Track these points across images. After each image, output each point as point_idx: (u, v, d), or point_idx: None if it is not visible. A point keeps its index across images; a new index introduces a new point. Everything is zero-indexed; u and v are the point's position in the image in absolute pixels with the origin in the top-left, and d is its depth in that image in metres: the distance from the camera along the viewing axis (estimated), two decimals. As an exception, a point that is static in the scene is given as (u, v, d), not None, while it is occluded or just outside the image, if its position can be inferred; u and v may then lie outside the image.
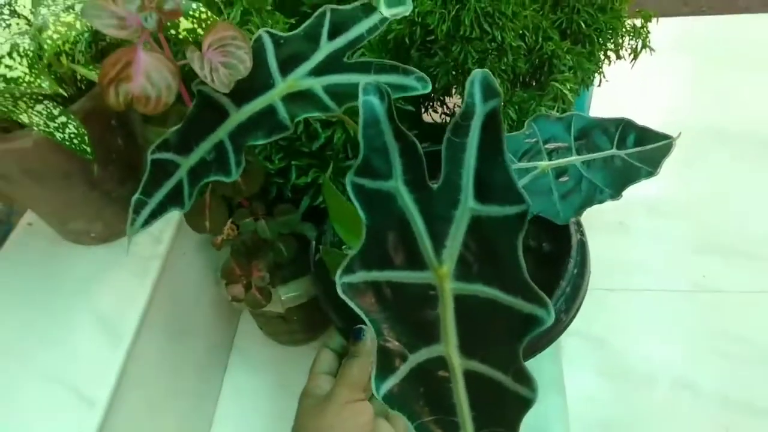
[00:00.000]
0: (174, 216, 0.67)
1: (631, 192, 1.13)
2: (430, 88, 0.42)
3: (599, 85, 0.81)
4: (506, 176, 0.32)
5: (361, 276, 0.34)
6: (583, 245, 0.63)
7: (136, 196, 0.48)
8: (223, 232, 0.64)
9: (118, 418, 0.56)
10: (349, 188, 0.34)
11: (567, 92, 0.72)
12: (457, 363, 0.34)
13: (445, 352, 0.34)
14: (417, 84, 0.42)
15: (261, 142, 0.45)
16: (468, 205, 0.33)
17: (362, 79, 0.45)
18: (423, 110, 0.82)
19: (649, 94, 1.21)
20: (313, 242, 0.70)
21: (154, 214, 0.49)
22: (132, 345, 0.58)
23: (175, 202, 0.48)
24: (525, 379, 0.32)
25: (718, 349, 0.87)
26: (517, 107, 0.73)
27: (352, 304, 0.34)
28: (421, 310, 0.34)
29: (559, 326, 0.58)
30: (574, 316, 0.59)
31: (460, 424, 0.33)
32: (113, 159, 0.58)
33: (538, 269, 0.67)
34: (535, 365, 0.82)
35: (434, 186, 0.34)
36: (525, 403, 0.32)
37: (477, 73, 0.32)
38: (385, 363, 0.34)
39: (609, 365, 0.86)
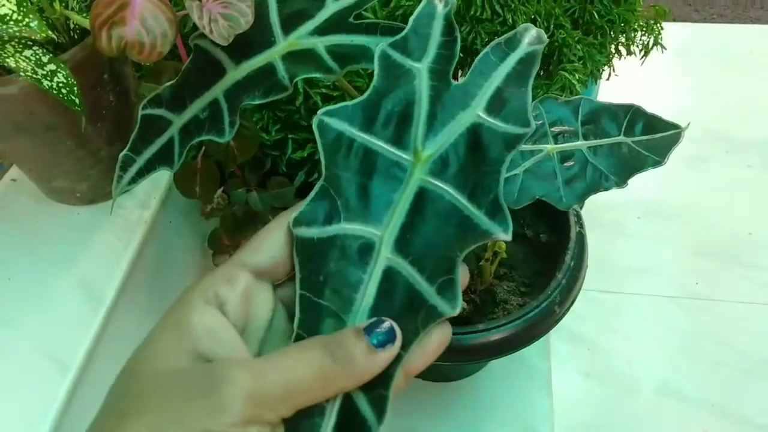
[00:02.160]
0: (162, 182, 0.65)
1: (630, 193, 1.12)
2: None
3: (608, 79, 0.79)
4: (522, 102, 0.32)
5: (343, 126, 0.33)
6: (581, 238, 0.61)
7: (124, 152, 0.46)
8: (213, 200, 0.62)
9: (91, 384, 0.54)
10: (377, 54, 0.34)
11: (575, 83, 0.70)
12: (385, 255, 0.31)
13: (378, 238, 0.31)
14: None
15: (257, 102, 0.43)
16: (476, 111, 0.33)
17: (367, 41, 0.43)
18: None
19: (657, 94, 1.20)
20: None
21: (142, 173, 0.46)
22: (110, 311, 0.56)
23: (165, 160, 0.46)
24: (452, 293, 0.29)
25: (708, 357, 0.86)
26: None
27: (318, 143, 0.33)
28: (381, 187, 0.32)
29: (552, 318, 0.57)
30: (568, 309, 0.58)
31: (346, 323, 0.29)
32: (103, 115, 0.56)
33: (533, 260, 0.66)
34: (524, 362, 0.82)
35: (454, 83, 0.34)
36: (436, 316, 0.29)
37: (529, 26, 0.34)
38: (316, 211, 0.32)
39: (597, 367, 0.86)
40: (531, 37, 0.34)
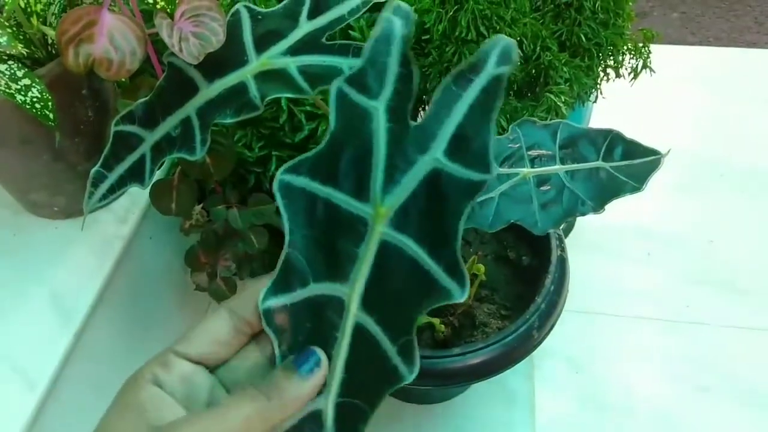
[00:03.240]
0: (142, 197, 0.65)
1: (623, 215, 1.10)
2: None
3: (595, 102, 0.79)
4: (485, 142, 0.30)
5: (303, 182, 0.32)
6: (563, 262, 0.60)
7: (96, 168, 0.46)
8: (191, 216, 0.61)
9: (59, 402, 0.53)
10: (332, 92, 0.32)
11: (561, 105, 0.70)
12: (353, 313, 0.31)
13: (347, 296, 0.31)
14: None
15: (229, 121, 0.43)
16: (435, 155, 0.31)
17: (339, 62, 0.43)
18: (417, 114, 0.80)
19: (650, 117, 1.20)
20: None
21: (113, 189, 0.46)
22: (82, 327, 0.56)
23: (136, 177, 0.46)
24: (411, 356, 0.30)
25: (697, 383, 0.85)
26: (508, 116, 0.71)
27: (280, 204, 0.32)
28: (344, 244, 0.32)
29: (530, 343, 0.56)
30: (547, 334, 0.57)
31: (326, 382, 0.31)
32: (81, 131, 0.56)
33: (515, 282, 0.65)
34: (507, 382, 0.80)
35: (412, 125, 0.32)
36: (397, 380, 0.30)
37: (500, 38, 0.31)
38: (284, 279, 0.32)
39: (583, 390, 0.84)
40: (498, 53, 0.30)
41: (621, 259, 0.99)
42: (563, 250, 0.61)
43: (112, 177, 0.46)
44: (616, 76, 0.79)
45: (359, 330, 0.31)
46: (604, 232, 1.03)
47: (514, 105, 0.72)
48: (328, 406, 0.31)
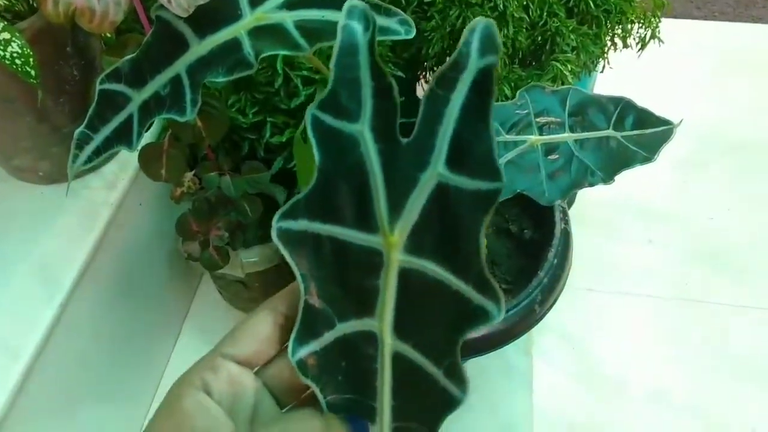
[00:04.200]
0: (131, 162, 0.62)
1: (624, 191, 1.08)
2: (414, 34, 0.38)
3: (602, 71, 0.76)
4: (487, 146, 0.27)
5: (302, 224, 0.30)
6: (566, 235, 0.59)
7: (80, 129, 0.43)
8: (182, 183, 0.59)
9: (44, 373, 0.51)
10: (308, 122, 0.29)
11: (567, 74, 0.68)
12: (388, 343, 0.30)
13: (377, 329, 0.30)
14: (400, 27, 0.38)
15: (221, 80, 0.40)
16: (437, 169, 0.28)
17: (339, 17, 0.40)
18: (417, 81, 0.77)
19: (654, 90, 1.17)
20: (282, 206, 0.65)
21: (99, 152, 0.44)
22: (69, 296, 0.54)
23: (123, 139, 0.43)
24: (458, 376, 0.28)
25: (695, 361, 0.84)
26: (513, 85, 0.68)
27: (285, 253, 0.30)
28: (361, 278, 0.30)
29: (532, 317, 0.54)
30: (549, 309, 0.55)
31: (377, 409, 0.29)
32: (66, 90, 0.53)
33: (517, 256, 0.63)
34: (506, 358, 0.79)
35: (404, 141, 0.29)
36: (451, 403, 0.28)
37: (479, 21, 0.27)
38: (309, 326, 0.30)
39: (581, 366, 0.83)
40: (479, 41, 0.27)
41: (620, 236, 0.98)
42: (567, 223, 0.59)
43: (98, 138, 0.44)
44: (624, 46, 0.77)
45: (398, 358, 0.29)
46: (604, 208, 1.01)
47: (518, 74, 0.69)
48: (384, 430, 0.29)
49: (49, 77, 0.48)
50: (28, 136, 0.54)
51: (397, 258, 0.29)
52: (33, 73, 0.45)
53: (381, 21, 0.38)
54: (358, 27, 0.28)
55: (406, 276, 0.29)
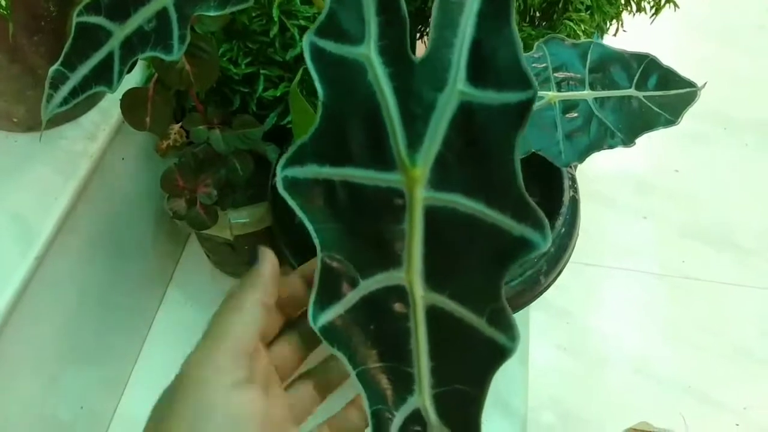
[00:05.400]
0: (114, 112, 0.58)
1: (621, 165, 1.06)
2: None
3: (615, 35, 0.73)
4: (511, 52, 0.24)
5: (311, 170, 0.26)
6: (575, 203, 0.56)
7: (55, 66, 0.39)
8: (169, 135, 0.55)
9: (17, 333, 0.48)
10: (306, 52, 0.26)
11: (580, 34, 0.64)
12: (420, 296, 0.26)
13: (406, 281, 0.26)
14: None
15: (213, 13, 0.36)
16: (457, 87, 0.25)
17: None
18: (418, 36, 0.73)
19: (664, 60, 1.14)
20: (274, 165, 0.62)
21: (76, 92, 0.40)
22: (45, 250, 0.50)
23: (103, 79, 0.39)
24: (505, 322, 0.25)
25: (688, 339, 0.83)
26: (523, 44, 0.64)
27: (294, 205, 0.27)
28: (382, 223, 0.27)
29: (537, 288, 0.52)
30: (554, 279, 0.53)
31: (414, 375, 0.26)
32: (41, 27, 0.48)
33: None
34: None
35: (417, 60, 0.26)
36: (500, 354, 0.25)
37: None
38: (329, 287, 0.27)
39: (573, 341, 0.82)
40: None
41: (618, 210, 0.96)
42: (576, 191, 0.56)
43: (75, 77, 0.40)
44: (638, 10, 0.73)
45: (433, 312, 0.26)
46: (602, 181, 0.99)
47: (528, 33, 0.65)
48: (426, 400, 0.26)
49: (22, 11, 0.44)
50: (0, 77, 0.50)
51: (421, 195, 0.26)
52: (3, 3, 0.40)
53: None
54: None
55: (433, 215, 0.26)
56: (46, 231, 0.50)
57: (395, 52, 0.26)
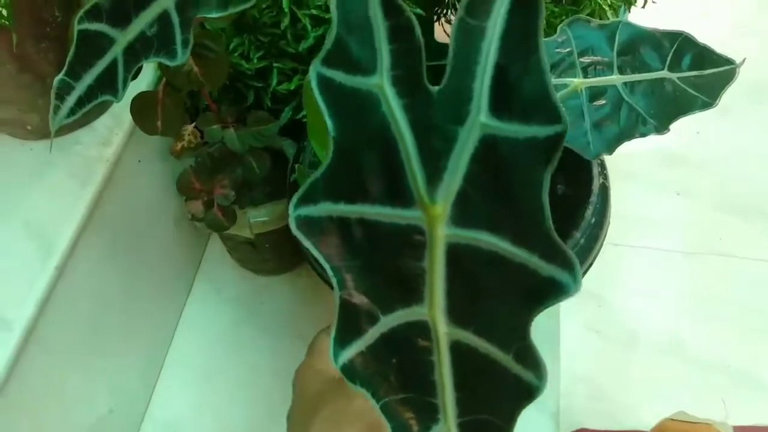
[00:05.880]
0: (127, 115, 0.56)
1: (651, 139, 1.04)
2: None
3: (644, 6, 0.69)
4: (540, 81, 0.22)
5: (324, 208, 0.25)
6: (605, 191, 0.53)
7: (60, 76, 0.38)
8: (183, 137, 0.54)
9: (42, 344, 0.48)
10: (313, 83, 0.24)
11: (607, 9, 0.61)
12: (443, 331, 0.25)
13: (428, 316, 0.26)
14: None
15: (215, 15, 0.35)
16: (480, 119, 0.23)
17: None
18: (436, 19, 0.70)
19: (695, 28, 1.09)
20: (291, 161, 0.60)
21: (82, 102, 0.39)
22: (65, 260, 0.50)
23: (108, 87, 0.38)
24: (532, 360, 0.24)
25: (726, 318, 0.80)
26: (545, 23, 0.61)
27: (308, 245, 0.25)
28: (402, 260, 0.26)
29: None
30: (585, 272, 0.51)
31: (438, 405, 0.25)
32: (48, 34, 0.48)
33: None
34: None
35: (434, 90, 0.24)
36: (528, 392, 0.24)
37: None
38: (349, 324, 0.26)
39: (604, 323, 0.80)
40: None
41: (647, 187, 0.93)
42: (606, 177, 0.54)
43: (80, 87, 0.39)
44: (667, -22, 0.69)
45: (457, 347, 0.25)
46: (630, 157, 0.95)
47: (551, 10, 0.62)
48: (452, 428, 0.25)
49: (27, 19, 0.43)
50: (11, 85, 0.49)
51: (442, 233, 0.25)
52: (4, 12, 0.39)
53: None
54: None
55: (455, 253, 0.25)
56: (65, 239, 0.50)
57: (410, 82, 0.24)
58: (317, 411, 0.37)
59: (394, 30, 0.24)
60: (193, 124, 0.55)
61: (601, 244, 0.52)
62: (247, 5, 0.34)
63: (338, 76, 0.24)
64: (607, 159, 0.91)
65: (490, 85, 0.23)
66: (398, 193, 0.25)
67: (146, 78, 0.56)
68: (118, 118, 0.56)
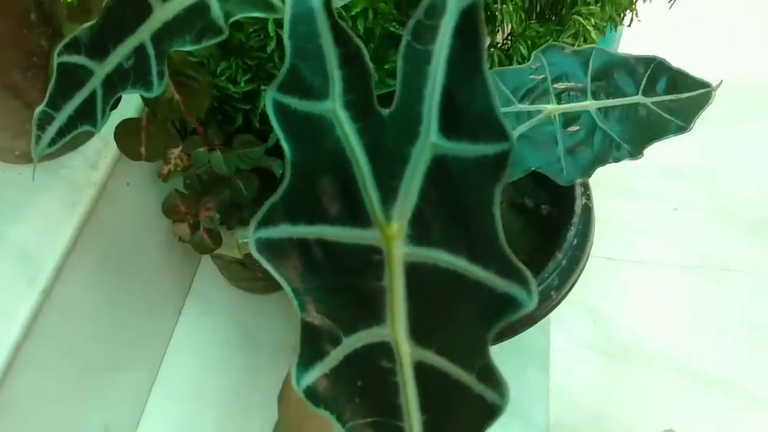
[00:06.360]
0: (115, 138, 0.58)
1: (648, 152, 1.03)
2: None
3: (629, 25, 0.69)
4: (485, 101, 0.23)
5: (284, 230, 0.26)
6: (587, 211, 0.53)
7: (41, 108, 0.39)
8: (169, 160, 0.54)
9: (27, 370, 0.49)
10: (269, 110, 0.25)
11: (591, 29, 0.61)
12: (406, 352, 0.26)
13: (391, 337, 0.26)
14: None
15: (189, 48, 0.35)
16: (430, 140, 0.24)
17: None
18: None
19: (687, 43, 1.09)
20: (280, 180, 0.61)
21: (63, 132, 0.40)
22: (51, 283, 0.50)
23: (87, 118, 0.39)
24: (493, 380, 0.24)
25: (725, 332, 0.79)
26: (530, 42, 0.62)
27: (269, 267, 0.26)
28: (362, 280, 0.26)
29: (548, 304, 0.50)
30: (566, 294, 0.51)
31: (405, 429, 0.25)
32: (34, 63, 0.49)
33: (534, 232, 0.58)
34: (521, 339, 0.75)
35: (385, 113, 0.25)
36: (491, 411, 0.24)
37: None
38: (311, 347, 0.26)
39: (601, 340, 0.79)
40: None
41: (648, 201, 0.93)
42: (588, 198, 0.54)
43: (61, 117, 0.40)
44: (654, -4, 0.69)
45: (421, 367, 0.25)
46: (626, 170, 0.95)
47: (536, 30, 0.62)
48: None
49: (14, 49, 0.44)
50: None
51: (400, 252, 0.25)
52: (-12, 44, 0.40)
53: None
54: None
55: (414, 271, 0.25)
56: (51, 263, 0.51)
57: (362, 106, 0.25)
58: (303, 427, 0.37)
59: (344, 57, 0.25)
60: (180, 148, 0.56)
61: (583, 266, 0.52)
62: (220, 39, 0.35)
63: (293, 102, 0.25)
64: (606, 174, 0.91)
65: (439, 107, 0.24)
66: (355, 214, 0.25)
67: (134, 103, 0.57)
68: (106, 141, 0.57)
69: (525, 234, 0.59)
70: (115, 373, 0.64)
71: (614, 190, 0.92)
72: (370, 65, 0.24)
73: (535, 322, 0.50)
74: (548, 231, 0.55)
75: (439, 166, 0.24)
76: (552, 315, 0.80)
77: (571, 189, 0.54)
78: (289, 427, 0.42)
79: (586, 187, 0.55)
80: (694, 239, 0.89)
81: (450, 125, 0.23)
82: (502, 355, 0.73)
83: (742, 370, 0.76)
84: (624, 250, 0.89)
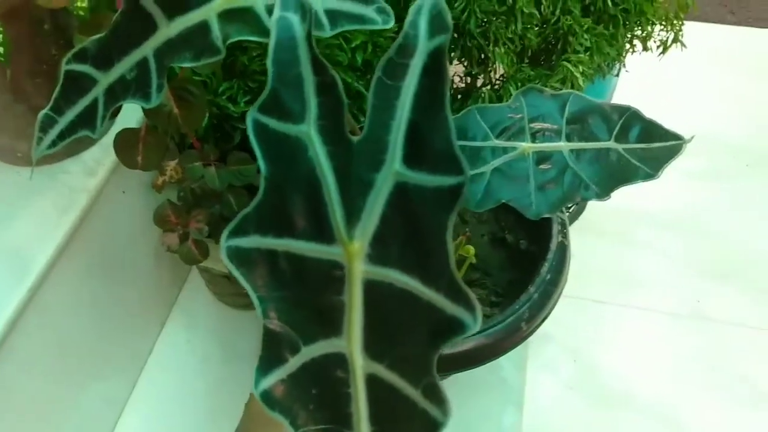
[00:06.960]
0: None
1: (640, 200, 1.04)
2: (392, 23, 0.35)
3: (618, 75, 0.72)
4: (446, 138, 0.25)
5: (254, 241, 0.27)
6: (563, 249, 0.55)
7: (44, 111, 0.41)
8: (165, 171, 0.56)
9: (12, 365, 0.50)
10: (249, 127, 0.27)
11: (578, 76, 0.64)
12: (360, 365, 0.27)
13: (346, 349, 0.27)
14: (377, 16, 0.35)
15: (188, 64, 0.38)
16: (394, 167, 0.26)
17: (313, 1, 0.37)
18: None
19: (676, 97, 1.12)
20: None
21: (63, 136, 0.42)
22: (38, 284, 0.52)
23: (87, 124, 0.41)
24: (437, 397, 0.26)
25: (704, 382, 0.80)
26: (520, 84, 0.64)
27: (237, 275, 0.27)
28: (324, 294, 0.28)
29: (518, 335, 0.51)
30: (537, 327, 0.52)
31: None
32: (43, 70, 0.51)
33: (510, 267, 0.60)
34: (497, 371, 0.76)
35: (355, 140, 0.27)
36: (433, 426, 0.26)
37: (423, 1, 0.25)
38: (272, 352, 0.28)
39: (581, 380, 0.80)
40: (427, 20, 0.25)
41: (632, 247, 0.94)
42: (565, 236, 0.56)
43: (63, 122, 0.42)
44: (644, 49, 0.72)
45: (372, 380, 0.27)
46: (618, 217, 0.97)
47: (527, 73, 0.65)
48: None
49: (25, 56, 0.46)
50: (5, 114, 0.53)
51: (360, 269, 0.27)
52: (1, 50, 0.43)
53: (357, 9, 0.35)
54: (294, 18, 0.26)
55: (372, 288, 0.27)
56: (41, 262, 0.52)
57: (334, 132, 0.27)
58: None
59: (321, 85, 0.27)
60: (176, 161, 0.58)
61: (556, 300, 0.53)
62: (218, 59, 0.37)
63: (272, 122, 0.27)
64: (596, 217, 0.93)
65: (404, 138, 0.26)
66: (321, 230, 0.27)
67: (136, 115, 0.60)
68: (106, 150, 0.59)
69: (504, 268, 0.60)
70: (92, 382, 0.65)
71: (606, 237, 0.94)
72: (344, 95, 0.27)
73: (505, 352, 0.51)
74: (525, 266, 0.56)
75: (401, 192, 0.26)
76: (532, 353, 0.81)
77: (548, 227, 0.56)
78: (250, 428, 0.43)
79: (563, 226, 0.57)
80: (681, 288, 0.90)
81: (413, 156, 0.26)
82: (479, 389, 0.74)
83: (724, 424, 0.76)
84: (611, 294, 0.90)
